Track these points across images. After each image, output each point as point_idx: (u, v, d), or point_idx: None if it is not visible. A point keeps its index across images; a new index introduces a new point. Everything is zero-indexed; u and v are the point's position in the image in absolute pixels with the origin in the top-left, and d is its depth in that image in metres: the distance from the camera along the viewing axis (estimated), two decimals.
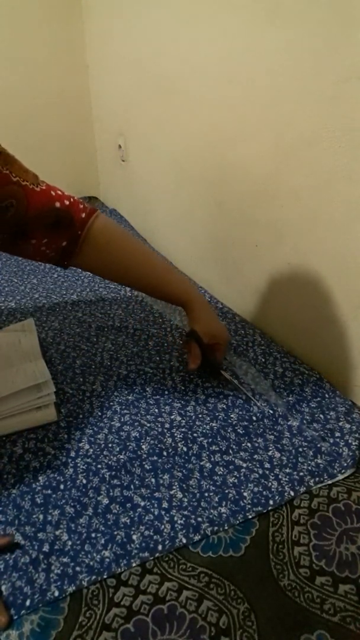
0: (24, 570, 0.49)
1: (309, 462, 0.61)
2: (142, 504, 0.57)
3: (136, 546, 0.52)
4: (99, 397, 0.74)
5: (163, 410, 0.71)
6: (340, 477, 0.59)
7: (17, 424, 0.67)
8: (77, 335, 0.90)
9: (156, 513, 0.55)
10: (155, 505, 0.56)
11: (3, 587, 0.48)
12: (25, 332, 0.88)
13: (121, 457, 0.63)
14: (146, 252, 0.73)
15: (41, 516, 0.55)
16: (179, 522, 0.54)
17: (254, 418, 0.69)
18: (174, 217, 1.21)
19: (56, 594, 0.47)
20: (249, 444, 0.65)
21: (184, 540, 0.52)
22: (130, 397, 0.74)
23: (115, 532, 0.53)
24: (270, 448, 0.64)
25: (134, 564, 0.50)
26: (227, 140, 0.89)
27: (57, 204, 0.60)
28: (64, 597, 0.47)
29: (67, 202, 0.62)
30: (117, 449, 0.64)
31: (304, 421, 0.69)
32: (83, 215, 0.64)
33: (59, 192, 0.62)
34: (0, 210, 0.55)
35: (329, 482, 0.59)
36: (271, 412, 0.70)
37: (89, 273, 1.15)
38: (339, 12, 0.60)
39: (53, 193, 0.61)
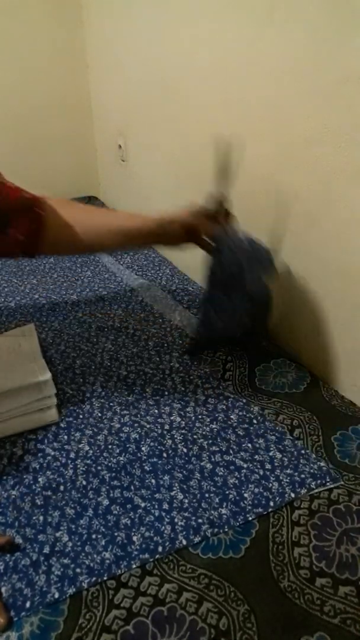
0: (24, 572, 0.49)
1: (312, 464, 0.61)
2: (143, 505, 0.57)
3: (136, 547, 0.52)
4: (99, 398, 0.74)
5: (163, 411, 0.71)
6: (342, 482, 0.59)
7: (18, 426, 0.67)
8: (77, 335, 0.90)
9: (157, 514, 0.55)
10: (156, 506, 0.56)
11: (3, 589, 0.48)
12: (25, 336, 0.88)
13: (121, 458, 0.63)
14: (103, 209, 0.80)
15: (41, 518, 0.55)
16: (179, 523, 0.54)
17: (255, 421, 0.69)
18: None
19: (56, 595, 0.47)
20: (249, 445, 0.65)
21: (184, 542, 0.52)
22: (130, 398, 0.74)
23: (116, 534, 0.53)
24: (272, 449, 0.64)
25: (134, 566, 0.50)
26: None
27: (24, 194, 0.67)
28: (64, 599, 0.47)
29: (28, 194, 0.68)
30: (117, 451, 0.64)
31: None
32: (31, 196, 0.69)
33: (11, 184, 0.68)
34: None
35: (332, 485, 0.58)
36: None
37: (85, 272, 1.16)
38: (339, 11, 0.59)
39: (12, 186, 0.67)
